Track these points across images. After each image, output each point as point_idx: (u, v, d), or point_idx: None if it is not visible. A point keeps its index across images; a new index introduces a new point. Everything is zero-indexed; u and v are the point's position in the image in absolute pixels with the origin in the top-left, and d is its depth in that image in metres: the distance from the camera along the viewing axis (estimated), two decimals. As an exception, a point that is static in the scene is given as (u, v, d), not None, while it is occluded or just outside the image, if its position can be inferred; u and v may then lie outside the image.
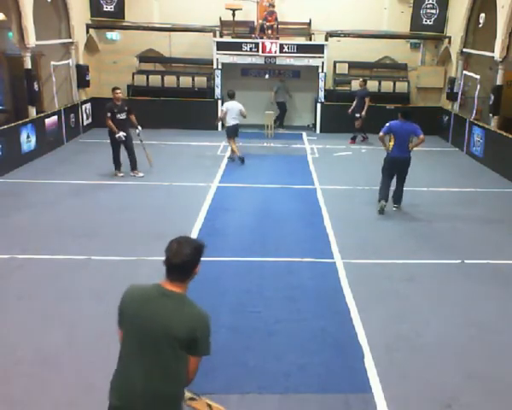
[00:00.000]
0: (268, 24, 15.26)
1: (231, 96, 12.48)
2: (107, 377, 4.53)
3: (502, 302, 5.99)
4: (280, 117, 16.44)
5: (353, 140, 14.56)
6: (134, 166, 10.72)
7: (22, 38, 11.73)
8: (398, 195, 9.00)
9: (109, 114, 10.17)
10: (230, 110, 12.19)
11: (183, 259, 2.66)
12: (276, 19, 15.36)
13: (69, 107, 14.31)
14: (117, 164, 10.70)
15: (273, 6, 15.26)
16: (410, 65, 16.76)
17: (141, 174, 10.64)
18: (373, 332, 5.22)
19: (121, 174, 10.62)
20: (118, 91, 10.37)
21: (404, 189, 10.34)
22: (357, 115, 14.19)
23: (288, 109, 16.54)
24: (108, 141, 10.60)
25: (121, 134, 10.24)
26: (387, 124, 8.81)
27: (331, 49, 15.66)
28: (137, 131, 10.62)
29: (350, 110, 14.40)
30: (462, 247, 7.54)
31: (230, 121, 12.22)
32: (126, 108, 10.48)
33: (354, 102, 14.37)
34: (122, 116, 10.33)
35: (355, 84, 16.18)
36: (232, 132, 12.27)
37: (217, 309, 5.59)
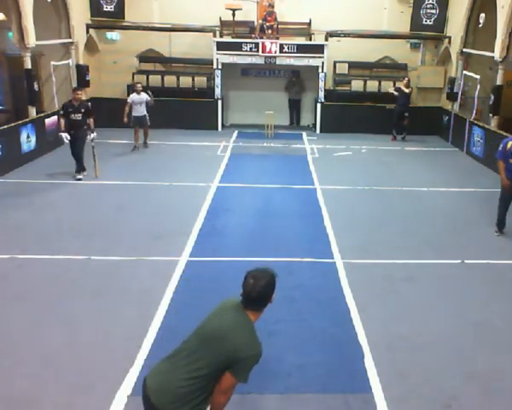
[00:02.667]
0: (268, 24, 15.26)
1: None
2: (107, 377, 4.54)
3: (501, 302, 5.99)
4: (292, 116, 16.76)
5: (395, 137, 15.12)
6: (77, 169, 10.42)
7: (22, 38, 11.73)
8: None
9: (62, 112, 10.24)
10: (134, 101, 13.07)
11: (260, 292, 2.96)
12: (275, 19, 15.36)
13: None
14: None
15: (273, 6, 15.26)
16: (410, 65, 16.75)
17: (79, 176, 10.35)
18: (373, 332, 5.22)
19: (80, 176, 10.36)
20: (78, 92, 10.41)
21: (404, 189, 10.40)
22: (406, 114, 14.72)
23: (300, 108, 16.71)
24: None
25: (64, 135, 10.19)
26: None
27: (331, 49, 15.66)
28: (92, 136, 10.46)
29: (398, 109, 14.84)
30: (462, 247, 7.54)
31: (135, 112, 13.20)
32: (83, 110, 10.31)
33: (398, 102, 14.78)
34: (77, 117, 10.20)
35: (355, 85, 16.22)
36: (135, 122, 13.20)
37: (217, 309, 5.59)
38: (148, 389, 2.87)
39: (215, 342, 2.87)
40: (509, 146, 7.49)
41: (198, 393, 2.83)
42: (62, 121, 10.20)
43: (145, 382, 2.94)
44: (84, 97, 15.30)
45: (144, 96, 13.14)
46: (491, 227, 8.06)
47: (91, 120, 10.48)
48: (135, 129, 13.19)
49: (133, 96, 13.12)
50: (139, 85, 13.32)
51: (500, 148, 7.69)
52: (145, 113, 13.17)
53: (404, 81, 14.83)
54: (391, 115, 15.53)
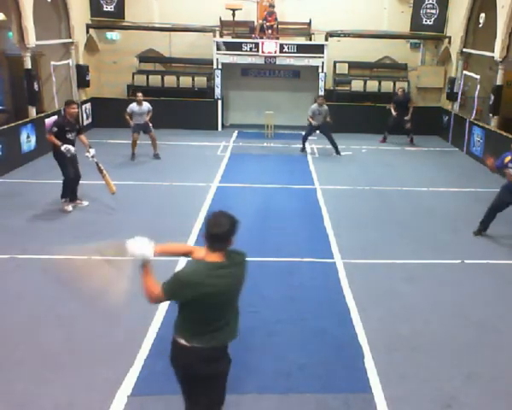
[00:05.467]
0: (268, 24, 15.26)
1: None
2: (107, 377, 4.53)
3: (502, 302, 5.99)
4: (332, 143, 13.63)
5: (411, 140, 14.88)
6: (73, 197, 8.85)
7: (22, 38, 11.73)
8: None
9: (55, 130, 8.31)
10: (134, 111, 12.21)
11: (223, 229, 3.13)
12: (275, 19, 15.36)
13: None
14: (68, 191, 8.64)
15: (273, 6, 15.26)
16: (410, 65, 16.76)
17: (85, 203, 8.93)
18: (373, 332, 5.22)
19: (70, 208, 8.60)
20: (74, 106, 8.53)
21: (404, 189, 10.41)
22: (406, 118, 14.45)
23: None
24: (110, 141, 10.51)
25: (68, 147, 8.30)
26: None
27: (331, 49, 15.66)
28: (90, 153, 8.60)
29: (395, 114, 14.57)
30: (462, 247, 7.54)
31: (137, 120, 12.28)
32: (77, 127, 8.76)
33: (394, 109, 14.55)
34: (72, 136, 8.50)
35: (355, 85, 16.22)
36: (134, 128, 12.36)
37: (217, 309, 5.60)
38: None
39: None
40: (506, 160, 7.47)
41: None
42: (55, 139, 8.29)
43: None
44: (84, 97, 15.43)
45: (146, 108, 12.09)
46: (492, 227, 8.04)
47: (83, 136, 8.83)
48: (134, 136, 12.19)
49: (133, 107, 11.99)
50: (140, 95, 12.06)
51: (499, 161, 7.59)
52: (147, 120, 12.21)
53: (399, 92, 14.66)
54: (391, 115, 15.54)
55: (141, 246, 3.25)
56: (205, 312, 3.13)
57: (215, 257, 3.13)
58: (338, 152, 13.28)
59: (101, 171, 8.71)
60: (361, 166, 12.22)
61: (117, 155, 12.42)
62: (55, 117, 12.99)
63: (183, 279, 3.08)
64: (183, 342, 3.15)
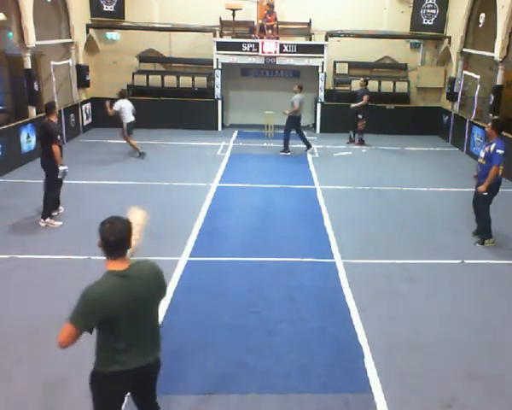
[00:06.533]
0: (268, 24, 15.26)
1: (123, 96, 12.44)
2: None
3: (502, 302, 5.99)
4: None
5: (353, 140, 14.50)
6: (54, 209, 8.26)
7: (22, 38, 11.73)
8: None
9: (59, 138, 7.87)
10: (125, 108, 12.05)
11: (120, 235, 2.96)
12: (275, 19, 15.36)
13: (69, 107, 14.30)
14: (52, 206, 8.12)
15: (272, 6, 15.23)
16: (410, 65, 16.77)
17: (61, 209, 8.45)
18: (373, 332, 5.22)
19: (59, 223, 8.01)
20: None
21: (404, 189, 10.41)
22: (360, 116, 14.03)
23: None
24: (110, 141, 10.37)
25: (66, 168, 7.91)
26: (502, 151, 7.21)
27: (331, 49, 15.66)
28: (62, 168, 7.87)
29: (353, 106, 14.06)
30: (462, 247, 7.54)
31: (130, 117, 12.12)
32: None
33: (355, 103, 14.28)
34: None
35: (355, 84, 16.19)
36: (132, 128, 12.22)
37: (217, 309, 5.60)
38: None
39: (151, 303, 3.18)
40: (501, 152, 7.20)
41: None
42: (58, 154, 7.78)
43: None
44: (84, 97, 15.42)
45: (131, 104, 12.21)
46: (491, 227, 8.03)
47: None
48: (130, 136, 12.17)
49: (122, 103, 12.02)
50: (124, 91, 12.65)
51: (497, 160, 7.19)
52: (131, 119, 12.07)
53: (361, 82, 14.29)
54: (391, 115, 15.58)
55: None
56: (104, 331, 2.97)
57: (117, 265, 2.99)
58: (308, 147, 13.29)
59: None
60: (361, 166, 12.22)
61: (117, 155, 12.42)
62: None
63: (88, 297, 2.96)
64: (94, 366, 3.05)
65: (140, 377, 3.12)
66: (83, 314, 2.93)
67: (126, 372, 3.01)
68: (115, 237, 2.93)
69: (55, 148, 7.69)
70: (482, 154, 7.43)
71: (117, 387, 3.07)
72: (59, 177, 7.89)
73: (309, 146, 13.33)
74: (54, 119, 7.94)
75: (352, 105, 14.05)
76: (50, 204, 8.01)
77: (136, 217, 3.46)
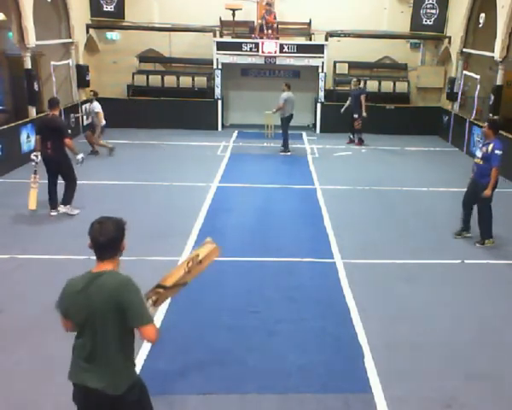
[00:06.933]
0: (267, 24, 15.25)
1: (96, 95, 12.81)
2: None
3: (502, 302, 5.99)
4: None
5: (353, 140, 14.49)
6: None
7: (22, 38, 11.73)
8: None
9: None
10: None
11: (109, 236, 2.81)
12: (274, 18, 15.35)
13: (69, 107, 14.30)
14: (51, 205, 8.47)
15: (270, 5, 15.21)
16: (410, 65, 16.77)
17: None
18: (373, 332, 5.22)
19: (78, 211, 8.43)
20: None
21: (404, 188, 10.42)
22: (356, 116, 14.01)
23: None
24: (110, 142, 10.38)
25: (83, 155, 8.52)
26: (501, 152, 7.15)
27: (331, 49, 15.67)
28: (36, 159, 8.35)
29: (342, 110, 14.15)
30: (462, 247, 7.54)
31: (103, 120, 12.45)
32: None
33: (347, 102, 14.19)
34: None
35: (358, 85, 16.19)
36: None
37: (217, 309, 5.60)
38: None
39: (99, 316, 2.82)
40: (499, 153, 7.16)
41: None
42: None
43: None
44: (84, 97, 15.41)
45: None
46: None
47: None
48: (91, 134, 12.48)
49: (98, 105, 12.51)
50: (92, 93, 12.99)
51: (496, 161, 7.14)
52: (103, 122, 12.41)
53: (354, 82, 14.27)
54: (391, 115, 15.57)
55: None
56: (77, 331, 2.92)
57: (102, 266, 2.85)
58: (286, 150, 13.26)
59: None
60: (361, 166, 12.22)
61: (117, 155, 12.42)
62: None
63: (63, 290, 2.89)
64: None
65: (85, 401, 2.95)
66: (58, 303, 2.93)
67: (74, 385, 2.97)
68: (104, 239, 2.81)
69: (69, 141, 8.15)
70: (479, 154, 7.39)
71: (74, 398, 3.03)
72: (78, 165, 8.22)
73: (285, 149, 13.26)
74: (57, 113, 8.27)
75: (355, 115, 13.93)
76: (74, 193, 8.36)
77: (204, 249, 3.16)
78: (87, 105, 12.58)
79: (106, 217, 2.91)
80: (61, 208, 8.35)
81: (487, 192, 7.24)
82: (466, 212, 7.74)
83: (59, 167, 8.27)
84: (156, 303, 2.95)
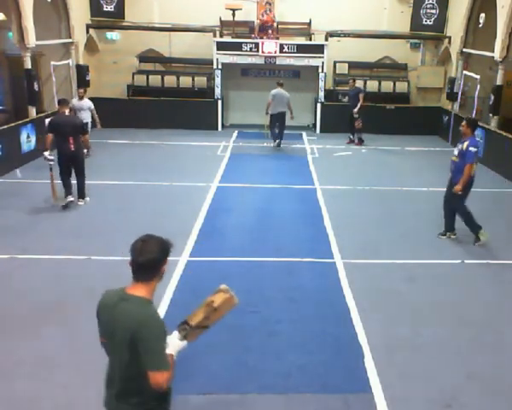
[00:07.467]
0: (265, 24, 15.23)
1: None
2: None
3: (502, 302, 5.99)
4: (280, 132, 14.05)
5: (353, 141, 14.49)
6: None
7: (22, 38, 11.72)
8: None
9: None
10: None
11: (149, 257, 2.58)
12: (274, 17, 15.33)
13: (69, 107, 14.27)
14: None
15: (269, 4, 15.20)
16: (410, 65, 16.76)
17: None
18: (373, 332, 5.22)
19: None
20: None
21: (404, 188, 10.41)
22: (356, 116, 14.01)
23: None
24: (110, 141, 10.45)
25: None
26: (475, 149, 7.25)
27: (331, 49, 15.66)
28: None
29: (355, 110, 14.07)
30: (462, 247, 7.53)
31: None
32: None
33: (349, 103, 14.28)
34: None
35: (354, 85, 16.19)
36: None
37: (217, 309, 5.59)
38: None
39: (118, 341, 2.63)
40: (474, 150, 7.22)
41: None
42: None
43: None
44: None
45: (86, 103, 12.40)
46: (491, 227, 8.03)
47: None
48: None
49: (74, 102, 12.34)
50: (81, 91, 12.76)
51: (471, 158, 7.18)
52: (88, 120, 12.13)
53: (350, 83, 14.30)
54: (391, 115, 15.57)
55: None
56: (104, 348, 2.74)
57: (136, 288, 2.64)
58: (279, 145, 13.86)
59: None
60: (361, 166, 12.22)
61: (117, 156, 12.42)
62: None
63: (98, 302, 2.74)
64: None
65: None
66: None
67: None
68: (144, 259, 2.59)
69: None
70: (456, 151, 7.48)
71: None
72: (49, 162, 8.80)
73: (275, 141, 13.91)
74: (68, 111, 9.10)
75: (355, 111, 13.97)
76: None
77: (218, 297, 2.97)
78: (74, 100, 12.39)
79: (150, 235, 2.67)
80: (81, 202, 8.88)
81: (457, 187, 7.30)
82: (445, 211, 7.79)
83: (78, 162, 8.77)
84: (187, 338, 2.78)
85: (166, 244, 2.66)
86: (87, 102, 12.49)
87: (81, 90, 12.74)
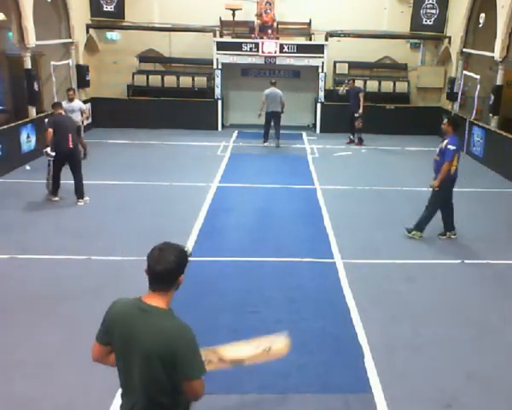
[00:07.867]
0: (265, 24, 15.23)
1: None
2: (106, 378, 4.51)
3: (502, 302, 5.99)
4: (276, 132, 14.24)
5: (353, 141, 14.49)
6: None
7: (22, 38, 11.72)
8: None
9: None
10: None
11: (167, 266, 2.49)
12: (273, 17, 15.32)
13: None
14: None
15: (270, 4, 15.19)
16: (410, 65, 16.76)
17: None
18: (373, 332, 5.22)
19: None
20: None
21: (404, 188, 10.41)
22: (356, 115, 14.02)
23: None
24: (110, 141, 10.48)
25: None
26: (454, 147, 7.30)
27: (331, 49, 15.66)
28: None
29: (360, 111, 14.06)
30: (462, 247, 7.54)
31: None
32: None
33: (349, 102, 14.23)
34: None
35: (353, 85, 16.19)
36: None
37: (217, 309, 5.59)
38: None
39: (143, 355, 2.53)
40: (452, 148, 7.26)
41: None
42: None
43: None
44: (84, 97, 15.41)
45: (77, 105, 11.80)
46: (491, 227, 8.05)
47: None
48: None
49: (64, 104, 11.60)
50: (71, 92, 11.92)
51: (449, 156, 7.22)
52: (79, 123, 11.61)
53: (350, 83, 14.26)
54: (391, 115, 15.57)
55: None
56: (116, 358, 2.64)
57: (153, 299, 2.53)
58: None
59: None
60: (361, 166, 12.22)
61: (117, 155, 12.42)
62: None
63: (107, 312, 2.63)
64: None
65: None
66: (100, 329, 2.69)
67: None
68: (161, 268, 2.48)
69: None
70: (437, 150, 7.56)
71: None
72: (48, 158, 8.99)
73: (265, 141, 14.29)
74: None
75: (360, 112, 13.97)
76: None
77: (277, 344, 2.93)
78: (64, 103, 11.95)
79: (168, 243, 2.57)
80: (80, 202, 8.93)
81: (435, 183, 7.34)
82: (442, 212, 7.79)
83: (75, 160, 8.94)
84: (207, 366, 2.67)
85: (184, 253, 2.59)
86: (78, 104, 11.96)
87: (71, 92, 11.95)
